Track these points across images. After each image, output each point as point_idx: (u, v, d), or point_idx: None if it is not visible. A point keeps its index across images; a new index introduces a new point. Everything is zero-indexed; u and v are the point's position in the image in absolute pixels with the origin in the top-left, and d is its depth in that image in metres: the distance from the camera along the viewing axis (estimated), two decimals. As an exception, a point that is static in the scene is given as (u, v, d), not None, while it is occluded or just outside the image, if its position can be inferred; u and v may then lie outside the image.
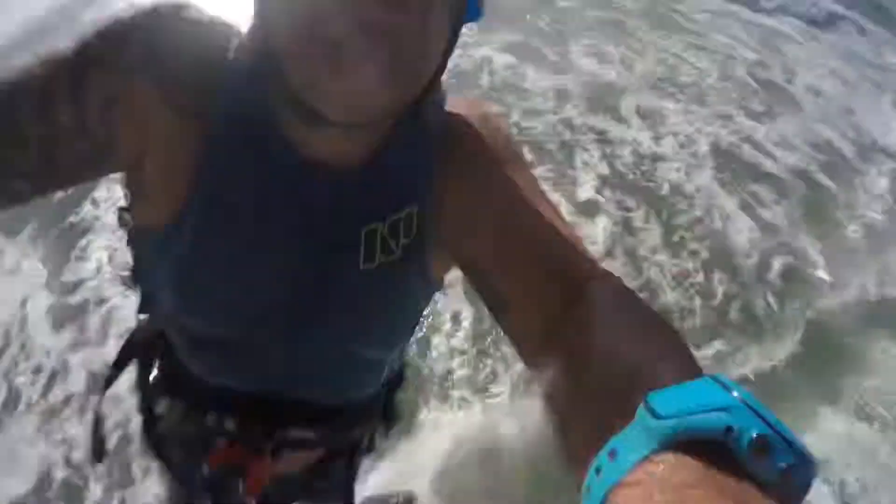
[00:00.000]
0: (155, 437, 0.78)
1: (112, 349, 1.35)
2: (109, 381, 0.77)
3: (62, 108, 0.46)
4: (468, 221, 0.54)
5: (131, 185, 0.56)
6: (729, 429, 0.24)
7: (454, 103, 0.58)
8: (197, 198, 0.53)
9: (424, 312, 0.72)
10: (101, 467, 1.60)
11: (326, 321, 0.60)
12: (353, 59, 0.41)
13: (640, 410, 0.27)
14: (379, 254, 0.56)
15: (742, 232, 2.45)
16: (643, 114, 3.09)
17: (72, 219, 2.34)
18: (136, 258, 0.66)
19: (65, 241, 2.26)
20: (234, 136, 0.51)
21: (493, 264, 0.51)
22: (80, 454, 1.67)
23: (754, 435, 0.24)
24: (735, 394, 0.25)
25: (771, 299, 2.21)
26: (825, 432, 1.84)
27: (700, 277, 2.23)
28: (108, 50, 0.47)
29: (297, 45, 0.42)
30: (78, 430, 1.73)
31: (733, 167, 2.81)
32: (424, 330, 1.98)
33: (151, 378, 0.74)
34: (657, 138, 2.92)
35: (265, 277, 0.57)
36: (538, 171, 2.50)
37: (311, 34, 0.41)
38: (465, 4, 0.47)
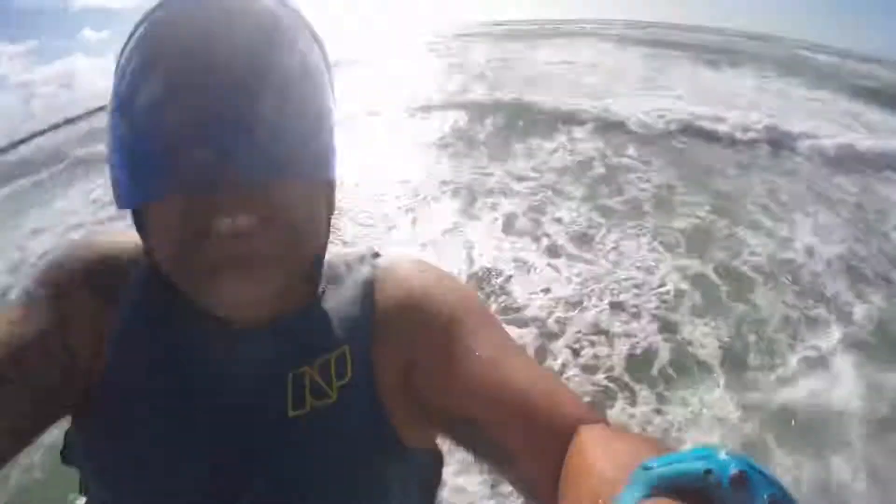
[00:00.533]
0: None
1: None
2: None
3: (33, 351, 0.49)
4: (431, 372, 0.51)
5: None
6: (708, 471, 0.27)
7: (393, 259, 0.60)
8: (107, 376, 0.52)
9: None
10: None
11: (258, 481, 0.51)
12: (228, 284, 0.44)
13: (635, 471, 0.29)
14: (309, 397, 0.52)
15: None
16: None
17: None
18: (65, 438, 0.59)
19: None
20: (141, 315, 0.54)
21: (487, 416, 0.47)
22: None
23: (733, 471, 0.26)
24: (718, 448, 0.28)
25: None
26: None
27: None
28: (45, 288, 0.54)
29: (177, 272, 0.47)
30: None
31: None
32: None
33: None
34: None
35: (184, 450, 0.52)
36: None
37: (188, 266, 0.45)
38: (328, 170, 0.49)
